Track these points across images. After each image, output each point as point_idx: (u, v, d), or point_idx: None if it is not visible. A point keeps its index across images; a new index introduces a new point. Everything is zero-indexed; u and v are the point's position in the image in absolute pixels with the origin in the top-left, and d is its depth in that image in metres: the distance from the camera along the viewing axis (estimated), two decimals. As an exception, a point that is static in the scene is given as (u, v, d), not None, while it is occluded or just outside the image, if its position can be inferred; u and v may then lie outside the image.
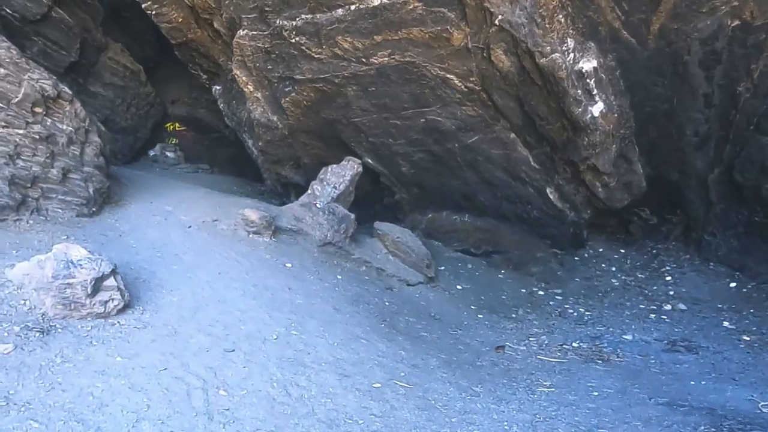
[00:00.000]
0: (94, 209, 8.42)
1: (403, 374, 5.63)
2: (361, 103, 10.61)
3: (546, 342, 8.38)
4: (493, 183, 11.75)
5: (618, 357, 7.78)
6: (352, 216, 10.08)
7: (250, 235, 9.38)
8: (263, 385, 4.68)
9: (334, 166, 10.63)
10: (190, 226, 9.04)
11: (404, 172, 11.90)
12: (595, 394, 6.13)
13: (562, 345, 8.21)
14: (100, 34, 14.82)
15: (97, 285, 5.18)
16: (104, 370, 4.29)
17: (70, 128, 8.50)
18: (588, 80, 9.50)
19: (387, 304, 8.46)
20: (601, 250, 13.82)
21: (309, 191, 10.74)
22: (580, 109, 9.70)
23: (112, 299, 5.26)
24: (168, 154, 17.89)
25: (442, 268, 11.43)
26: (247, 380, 4.68)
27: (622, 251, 13.69)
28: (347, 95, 10.51)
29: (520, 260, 12.74)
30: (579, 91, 9.54)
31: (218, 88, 13.96)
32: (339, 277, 8.94)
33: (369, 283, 9.23)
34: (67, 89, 8.71)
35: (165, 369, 4.51)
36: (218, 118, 19.96)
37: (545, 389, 6.25)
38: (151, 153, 17.51)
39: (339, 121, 11.15)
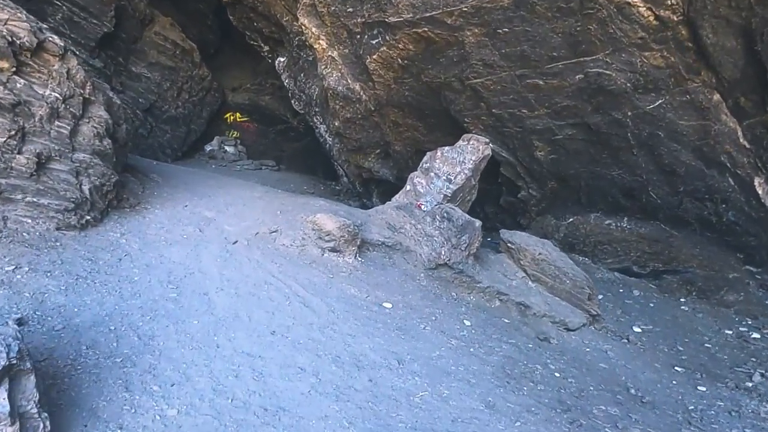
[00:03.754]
0: (89, 217, 5.43)
1: None
2: (484, 55, 7.15)
3: None
4: (674, 171, 7.94)
5: None
6: (478, 223, 6.62)
7: (325, 254, 6.17)
8: None
9: (447, 149, 7.22)
10: (235, 242, 5.92)
11: (539, 158, 8.30)
12: None
13: None
14: (144, 3, 12.15)
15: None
16: None
17: (56, 95, 5.58)
18: None
19: (557, 375, 4.92)
20: (812, 267, 9.62)
21: (408, 186, 7.38)
22: None
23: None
24: (227, 148, 15.17)
25: (600, 296, 7.75)
26: None
27: (839, 268, 9.43)
28: (464, 43, 7.09)
29: (707, 284, 8.88)
30: None
31: (282, 59, 10.91)
32: (467, 323, 5.52)
33: (513, 332, 5.74)
34: (56, 39, 5.82)
35: None
36: (285, 106, 17.10)
37: None
38: (208, 148, 14.83)
39: (449, 86, 7.73)
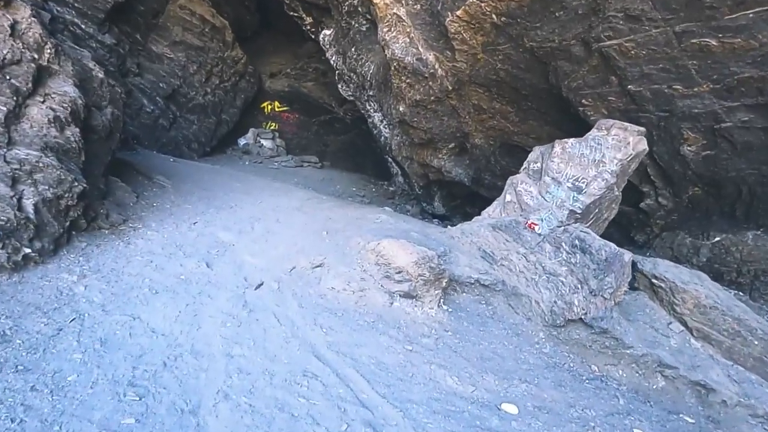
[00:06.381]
0: (30, 250, 3.43)
1: None
2: (628, 3, 4.82)
3: None
4: None
5: None
6: (628, 256, 4.33)
7: (395, 302, 4.06)
8: None
9: (572, 141, 4.91)
10: (259, 285, 3.83)
11: (687, 154, 5.91)
12: None
13: None
14: (167, -29, 10.27)
15: None
16: None
17: (-14, 57, 3.62)
18: None
19: None
20: None
21: (507, 196, 5.13)
22: None
23: None
24: (264, 142, 13.21)
25: None
26: None
27: None
28: (598, -14, 4.78)
29: None
30: None
31: (328, 32, 8.78)
32: (639, 435, 3.26)
33: (710, 446, 3.44)
34: (-2, -23, 3.88)
35: None
36: (330, 94, 15.03)
37: None
38: (242, 142, 12.89)
39: (566, 52, 5.43)
